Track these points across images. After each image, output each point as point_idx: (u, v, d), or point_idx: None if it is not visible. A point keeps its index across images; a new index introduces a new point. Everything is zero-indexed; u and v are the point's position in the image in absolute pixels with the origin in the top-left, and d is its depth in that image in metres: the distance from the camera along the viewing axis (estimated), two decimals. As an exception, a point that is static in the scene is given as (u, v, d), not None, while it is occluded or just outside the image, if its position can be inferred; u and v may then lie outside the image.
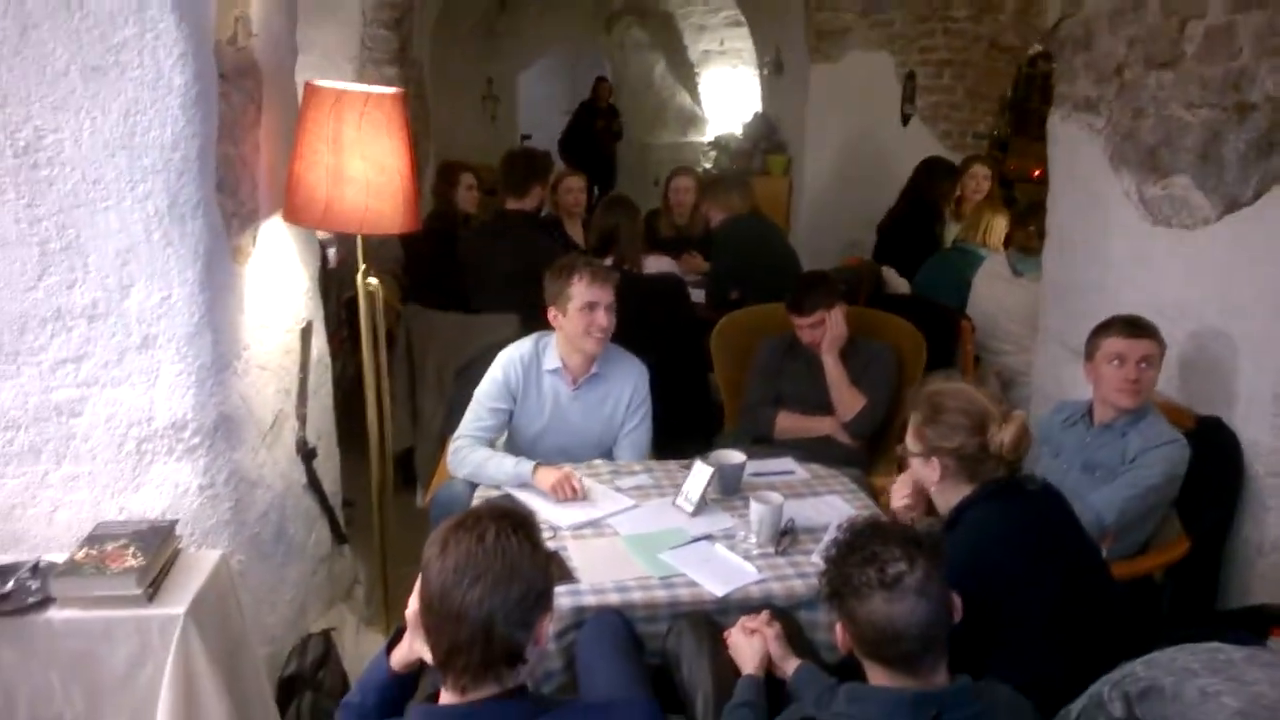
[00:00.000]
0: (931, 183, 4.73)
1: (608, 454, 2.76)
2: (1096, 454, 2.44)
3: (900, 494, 2.02)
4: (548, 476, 2.40)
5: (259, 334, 2.30)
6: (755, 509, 2.23)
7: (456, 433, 2.64)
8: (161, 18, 1.80)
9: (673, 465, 2.69)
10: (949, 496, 1.86)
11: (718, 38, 8.88)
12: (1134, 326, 2.41)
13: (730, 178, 4.38)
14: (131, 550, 1.80)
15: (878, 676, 1.42)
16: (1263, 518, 2.36)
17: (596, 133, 8.73)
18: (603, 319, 2.58)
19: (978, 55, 5.74)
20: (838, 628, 1.48)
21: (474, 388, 3.01)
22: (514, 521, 1.35)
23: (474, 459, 2.53)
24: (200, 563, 1.92)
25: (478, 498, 2.47)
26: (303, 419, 2.62)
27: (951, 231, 4.58)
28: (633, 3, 8.72)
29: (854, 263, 4.56)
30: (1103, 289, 2.96)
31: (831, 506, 2.45)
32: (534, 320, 3.73)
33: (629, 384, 2.73)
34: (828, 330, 3.01)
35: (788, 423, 3.15)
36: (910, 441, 1.90)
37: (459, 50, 7.56)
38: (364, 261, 2.48)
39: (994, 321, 3.60)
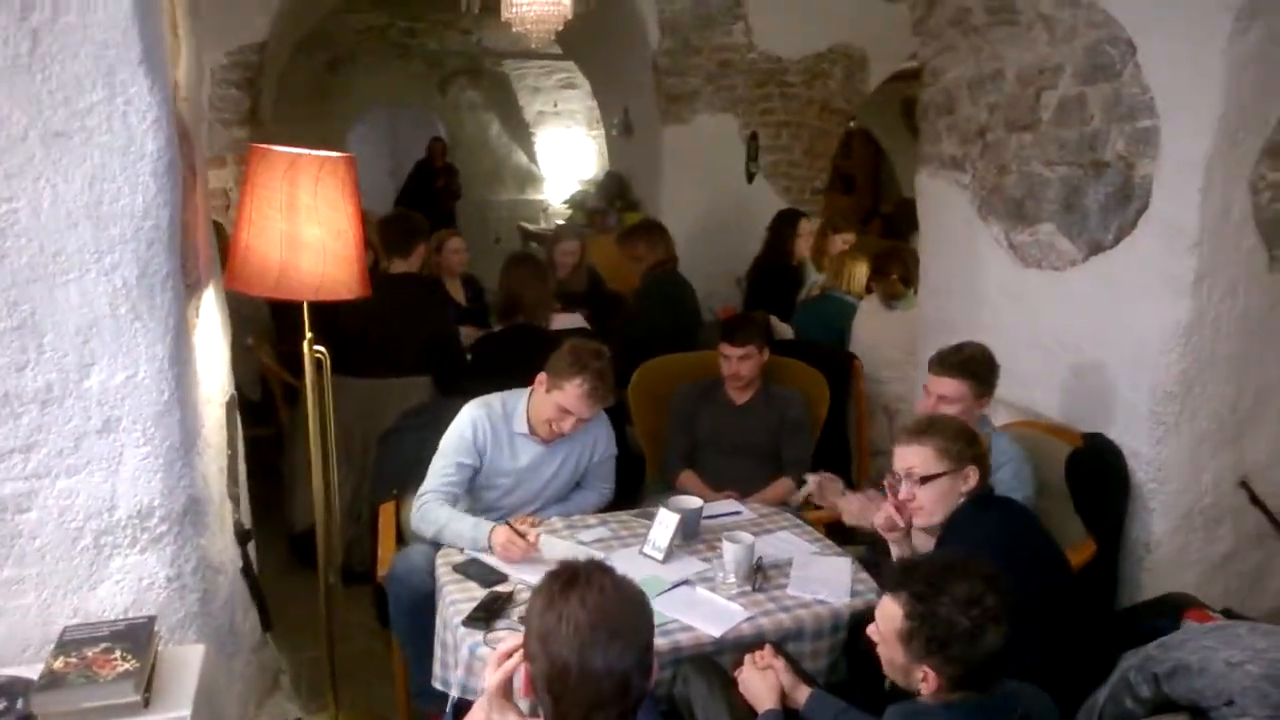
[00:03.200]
0: (783, 231, 5.10)
1: (566, 499, 2.79)
2: None
3: (887, 522, 2.17)
4: (497, 539, 2.38)
5: (204, 410, 2.17)
6: (730, 550, 2.31)
7: (421, 488, 2.57)
8: (133, 82, 1.71)
9: (625, 515, 2.74)
10: (947, 508, 2.02)
11: (551, 99, 9.10)
12: (940, 363, 2.60)
13: (638, 227, 4.51)
14: (118, 653, 1.65)
15: (944, 695, 1.51)
16: (1147, 519, 2.69)
17: (436, 191, 8.69)
18: (566, 426, 2.60)
19: (810, 117, 6.22)
20: (928, 674, 1.51)
21: (401, 454, 2.95)
22: (605, 568, 1.39)
23: (437, 517, 2.48)
24: (183, 660, 1.79)
25: (440, 565, 2.41)
26: (235, 499, 2.47)
27: (809, 276, 4.96)
28: (467, 64, 8.78)
29: (730, 313, 4.79)
30: (978, 325, 3.28)
31: (787, 542, 2.58)
32: (445, 383, 3.68)
33: (594, 435, 2.78)
34: (745, 370, 3.18)
35: (690, 483, 3.18)
36: (938, 463, 2.03)
37: (290, 110, 7.33)
38: (310, 330, 2.39)
39: (877, 353, 3.90)
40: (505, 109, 9.22)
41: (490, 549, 2.40)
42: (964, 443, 2.04)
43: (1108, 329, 2.79)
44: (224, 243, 3.31)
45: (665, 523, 2.45)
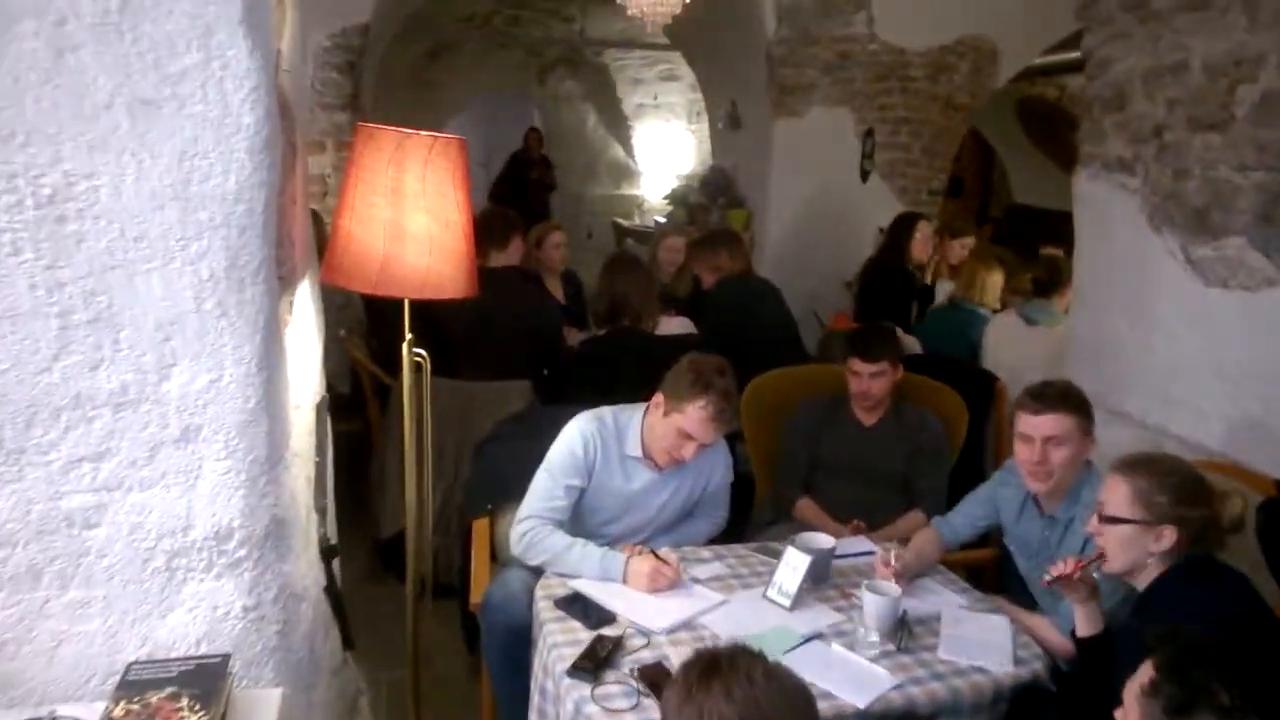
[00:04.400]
0: (901, 234, 4.73)
1: (675, 529, 2.52)
2: (1062, 550, 2.16)
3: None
4: (641, 569, 2.12)
5: (293, 417, 1.96)
6: (871, 601, 2.00)
7: (522, 512, 2.32)
8: (231, 44, 1.50)
9: (741, 550, 2.46)
10: (1150, 572, 1.70)
11: (652, 91, 8.84)
12: (1038, 399, 2.16)
13: (718, 235, 4.23)
14: (186, 701, 1.44)
15: None
16: (1369, 590, 2.29)
17: (530, 183, 8.53)
18: (688, 453, 2.32)
19: (933, 114, 5.81)
20: None
21: (498, 465, 2.72)
22: (752, 652, 1.18)
23: (551, 545, 2.23)
24: (258, 705, 1.56)
25: (540, 598, 2.16)
26: (322, 511, 2.26)
27: (943, 288, 4.58)
28: (567, 54, 8.58)
29: (843, 321, 4.45)
30: (1148, 348, 2.91)
31: (930, 590, 2.26)
32: (546, 389, 3.44)
33: (712, 460, 2.49)
34: (877, 389, 2.85)
35: (809, 512, 2.89)
36: (1129, 508, 1.74)
37: (389, 98, 7.25)
38: (410, 331, 2.17)
39: (1017, 375, 3.51)
40: (604, 100, 9.01)
41: (620, 579, 2.16)
42: (1174, 497, 1.71)
43: (1317, 362, 2.39)
44: (320, 232, 3.15)
45: (793, 564, 2.15)
